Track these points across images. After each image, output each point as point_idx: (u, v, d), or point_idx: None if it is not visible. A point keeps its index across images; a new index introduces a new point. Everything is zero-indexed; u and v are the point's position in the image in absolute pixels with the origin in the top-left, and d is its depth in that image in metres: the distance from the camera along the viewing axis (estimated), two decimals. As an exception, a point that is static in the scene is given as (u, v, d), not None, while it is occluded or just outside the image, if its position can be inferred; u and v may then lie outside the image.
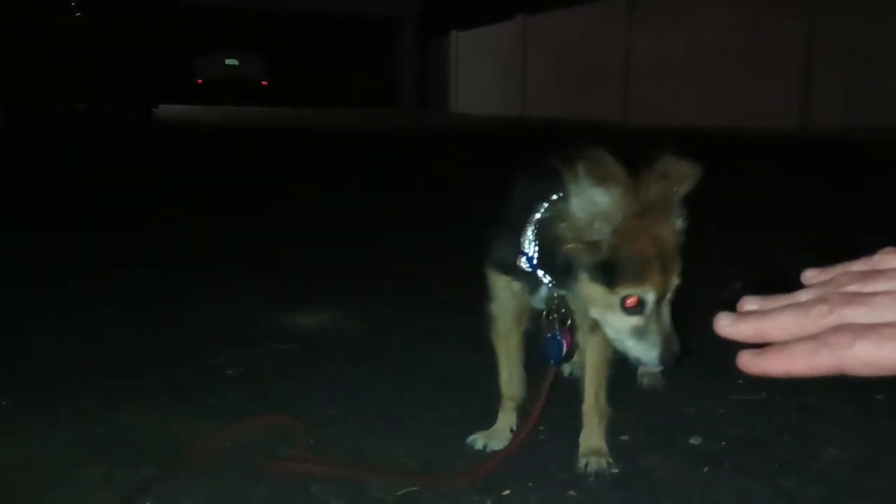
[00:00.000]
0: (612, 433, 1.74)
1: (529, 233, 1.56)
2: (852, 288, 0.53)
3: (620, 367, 1.75)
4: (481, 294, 1.75)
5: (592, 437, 1.70)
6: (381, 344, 2.55)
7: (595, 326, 1.58)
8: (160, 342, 2.53)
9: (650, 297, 1.40)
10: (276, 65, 27.27)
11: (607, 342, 1.66)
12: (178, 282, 3.37)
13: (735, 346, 0.57)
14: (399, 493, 1.55)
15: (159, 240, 4.38)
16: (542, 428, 1.68)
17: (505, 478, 1.61)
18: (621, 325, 1.44)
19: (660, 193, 1.40)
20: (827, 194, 6.19)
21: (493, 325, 1.79)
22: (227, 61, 26.82)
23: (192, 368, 2.27)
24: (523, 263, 1.56)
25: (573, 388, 1.77)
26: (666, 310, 1.43)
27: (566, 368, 2.06)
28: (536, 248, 1.55)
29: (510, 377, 1.82)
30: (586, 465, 1.65)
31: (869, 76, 12.32)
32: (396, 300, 3.07)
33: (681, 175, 1.42)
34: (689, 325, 2.46)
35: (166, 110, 18.32)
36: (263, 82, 27.10)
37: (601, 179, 1.36)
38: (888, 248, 0.56)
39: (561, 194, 1.43)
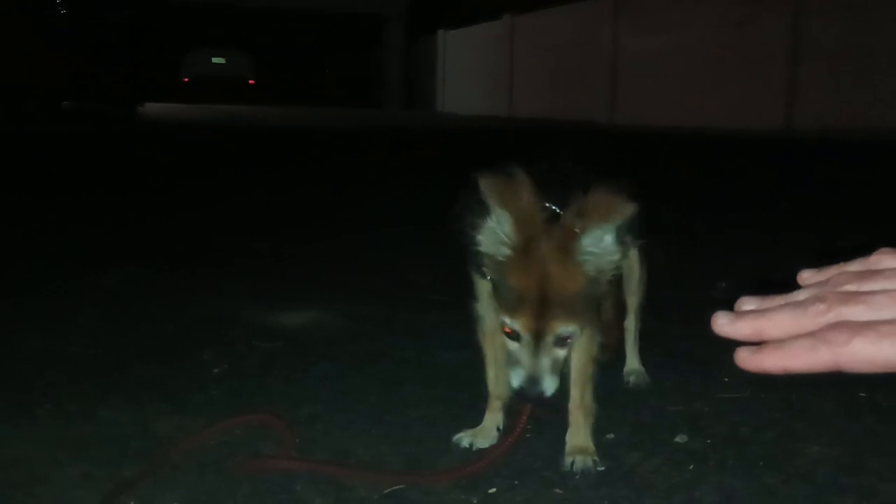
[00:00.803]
0: (597, 431, 1.74)
1: None
2: (849, 287, 0.53)
3: (606, 365, 1.75)
4: (466, 291, 1.75)
5: (578, 435, 1.70)
6: (366, 342, 2.54)
7: None
8: (145, 341, 2.51)
9: (523, 333, 1.40)
10: (263, 63, 27.17)
11: (592, 341, 1.67)
12: (163, 280, 3.35)
13: (724, 346, 0.56)
14: (384, 492, 1.55)
15: (143, 239, 4.35)
16: (528, 426, 1.68)
17: (490, 476, 1.61)
18: (507, 345, 1.46)
19: (565, 233, 1.37)
20: (813, 194, 6.22)
21: (479, 325, 1.79)
22: (214, 59, 26.69)
23: (177, 367, 2.25)
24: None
25: (559, 387, 1.77)
26: (547, 350, 1.41)
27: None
28: None
29: (497, 376, 1.82)
30: (572, 463, 1.65)
31: (854, 77, 12.40)
32: (381, 297, 3.07)
33: (601, 215, 1.36)
34: (682, 323, 2.48)
35: (152, 109, 18.20)
36: (250, 81, 27.00)
37: (503, 202, 1.35)
38: (884, 249, 0.56)
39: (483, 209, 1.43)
